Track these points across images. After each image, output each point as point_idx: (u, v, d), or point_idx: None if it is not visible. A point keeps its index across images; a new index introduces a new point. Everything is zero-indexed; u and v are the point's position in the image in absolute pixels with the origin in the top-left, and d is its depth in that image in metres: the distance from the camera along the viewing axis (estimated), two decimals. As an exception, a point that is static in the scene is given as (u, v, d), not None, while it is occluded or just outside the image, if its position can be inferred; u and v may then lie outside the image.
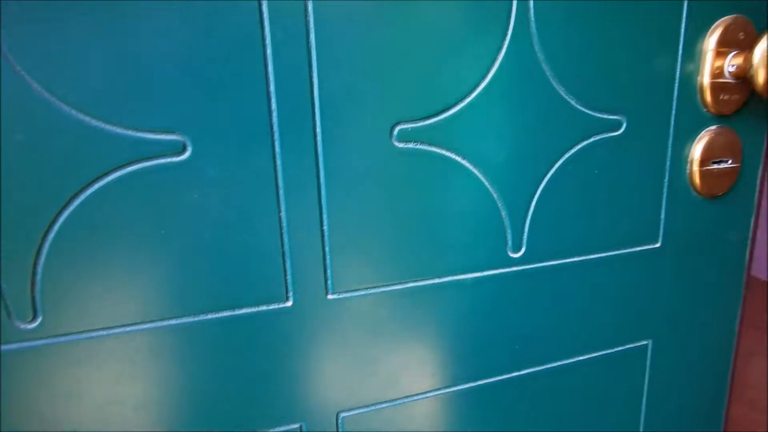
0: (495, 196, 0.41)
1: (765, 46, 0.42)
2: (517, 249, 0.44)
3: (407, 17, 0.35)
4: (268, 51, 0.31)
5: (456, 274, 0.42)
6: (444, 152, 0.38)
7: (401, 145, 0.37)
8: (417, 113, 0.37)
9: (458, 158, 0.39)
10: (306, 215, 0.36)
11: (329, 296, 0.38)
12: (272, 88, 0.32)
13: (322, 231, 0.36)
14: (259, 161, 0.33)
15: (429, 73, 0.36)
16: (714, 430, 0.63)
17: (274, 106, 0.32)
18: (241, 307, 0.35)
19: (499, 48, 0.38)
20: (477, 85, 0.38)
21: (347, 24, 0.33)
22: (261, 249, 0.35)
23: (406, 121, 0.36)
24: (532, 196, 0.43)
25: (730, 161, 0.51)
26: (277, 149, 0.33)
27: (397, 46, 0.35)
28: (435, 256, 0.41)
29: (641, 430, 0.58)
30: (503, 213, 0.42)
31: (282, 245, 0.35)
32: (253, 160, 0.33)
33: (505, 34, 0.38)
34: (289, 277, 0.36)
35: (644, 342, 0.55)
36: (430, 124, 0.37)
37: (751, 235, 0.56)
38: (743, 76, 0.46)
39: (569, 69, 0.41)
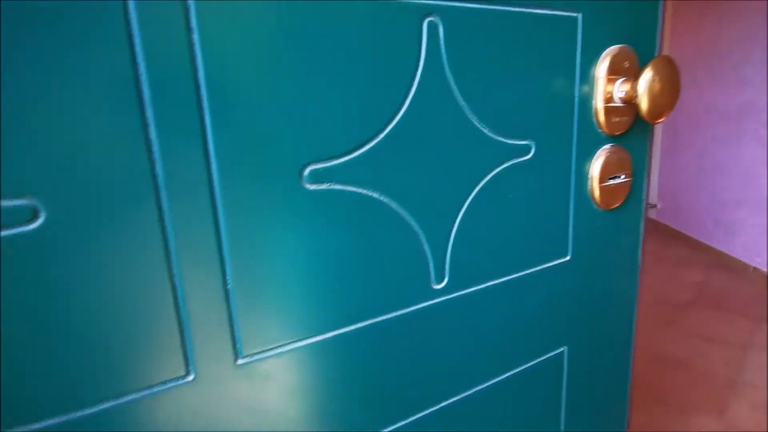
0: (416, 229, 0.42)
1: (647, 78, 0.48)
2: (440, 280, 0.45)
3: (314, 53, 0.33)
4: (146, 94, 0.27)
5: (379, 316, 0.41)
6: (360, 190, 0.37)
7: (313, 187, 0.35)
8: (329, 153, 0.35)
9: (376, 195, 0.38)
10: (205, 274, 0.32)
11: (239, 361, 0.35)
12: (153, 134, 0.28)
13: (226, 290, 0.33)
14: (140, 221, 0.29)
15: (340, 110, 0.35)
16: (622, 411, 0.71)
17: (157, 155, 0.28)
18: (127, 393, 0.30)
19: (412, 80, 0.38)
20: (391, 119, 0.38)
21: (244, 62, 0.30)
22: (149, 321, 0.31)
23: (318, 162, 0.35)
24: (452, 226, 0.44)
25: (623, 176, 0.57)
26: (165, 206, 0.29)
27: (303, 84, 0.33)
28: (356, 300, 0.40)
29: (562, 430, 0.64)
30: (425, 246, 0.43)
31: (177, 312, 0.32)
32: (133, 220, 0.29)
33: (417, 66, 0.38)
34: (188, 346, 0.32)
35: (561, 349, 0.60)
36: (343, 163, 0.36)
37: (642, 238, 0.65)
38: (630, 101, 0.52)
39: (481, 99, 0.43)
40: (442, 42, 0.39)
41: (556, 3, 0.46)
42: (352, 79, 0.35)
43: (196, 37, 0.29)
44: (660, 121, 0.51)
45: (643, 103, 0.49)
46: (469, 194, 0.44)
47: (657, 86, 0.49)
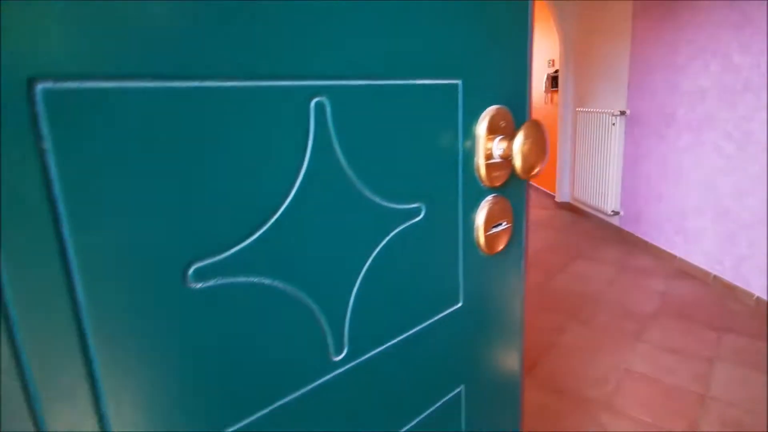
0: (312, 307, 0.43)
1: (519, 140, 0.55)
2: (339, 351, 0.46)
3: (194, 143, 0.32)
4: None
5: (278, 401, 0.41)
6: (252, 279, 0.37)
7: (199, 285, 0.34)
8: (215, 247, 0.34)
9: (268, 281, 0.39)
10: (74, 410, 0.29)
11: (120, 487, 0.32)
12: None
13: (99, 412, 0.31)
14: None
15: (225, 201, 0.34)
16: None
17: (5, 281, 0.25)
18: None
19: (301, 162, 0.39)
20: (281, 203, 0.38)
21: (107, 158, 0.29)
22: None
23: (204, 258, 0.34)
24: (349, 297, 0.46)
25: (504, 223, 0.64)
26: (18, 340, 0.26)
27: (183, 177, 0.32)
28: (253, 390, 0.39)
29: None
30: (322, 321, 0.44)
31: (38, 450, 0.28)
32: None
33: (306, 148, 0.39)
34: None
35: (458, 389, 0.66)
36: (233, 254, 0.36)
37: (523, 275, 0.73)
38: (507, 158, 0.59)
39: (372, 170, 0.45)
40: (330, 121, 0.41)
41: (438, 73, 0.51)
42: (237, 167, 0.35)
43: (48, 146, 0.26)
44: (532, 176, 0.59)
45: (517, 162, 0.56)
46: (364, 264, 0.47)
47: (527, 147, 0.56)
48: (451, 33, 0.52)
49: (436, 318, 0.59)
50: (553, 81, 4.86)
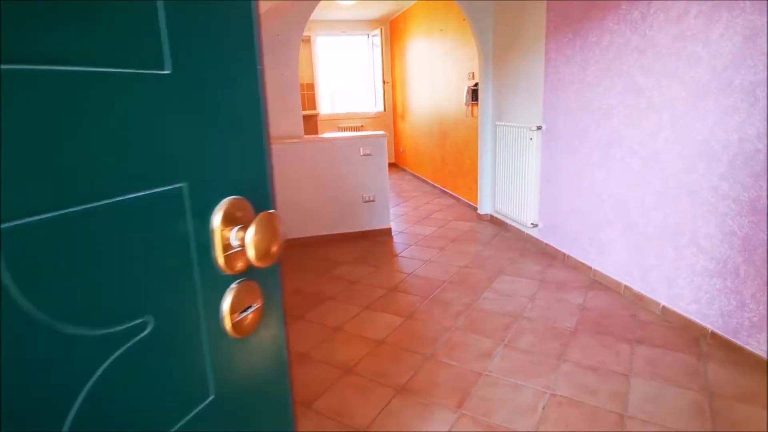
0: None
1: (252, 232, 0.60)
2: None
3: None
4: None
5: None
6: None
7: None
8: None
9: None
10: None
11: None
12: None
13: None
14: None
15: None
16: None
17: None
18: None
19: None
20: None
21: None
22: None
23: None
24: (55, 444, 0.43)
25: (254, 305, 0.69)
26: None
27: None
28: None
29: None
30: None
31: None
32: None
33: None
34: None
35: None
36: None
37: (286, 350, 0.79)
38: (244, 247, 0.63)
39: (71, 304, 0.43)
40: (2, 266, 0.38)
41: (156, 182, 0.52)
42: None
43: None
44: (268, 264, 0.64)
45: (250, 253, 0.61)
46: (72, 406, 0.44)
47: (258, 238, 0.61)
48: (169, 140, 0.53)
49: (185, 419, 0.59)
50: (474, 94, 4.96)
